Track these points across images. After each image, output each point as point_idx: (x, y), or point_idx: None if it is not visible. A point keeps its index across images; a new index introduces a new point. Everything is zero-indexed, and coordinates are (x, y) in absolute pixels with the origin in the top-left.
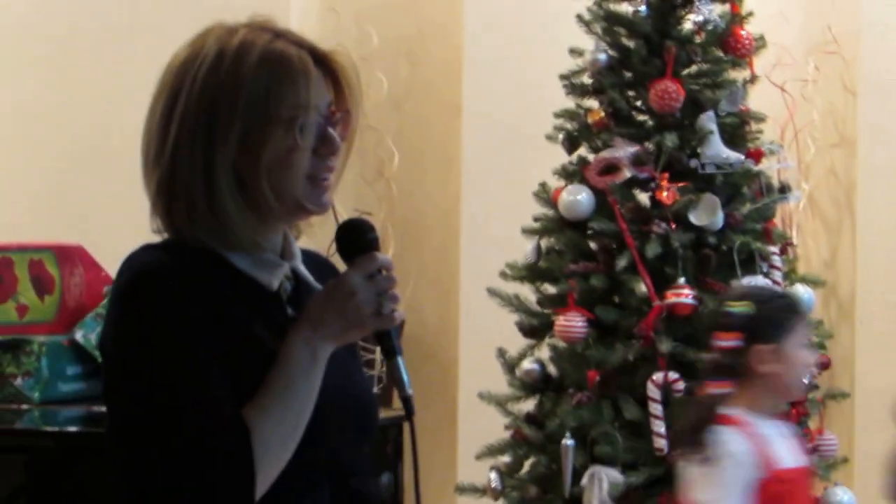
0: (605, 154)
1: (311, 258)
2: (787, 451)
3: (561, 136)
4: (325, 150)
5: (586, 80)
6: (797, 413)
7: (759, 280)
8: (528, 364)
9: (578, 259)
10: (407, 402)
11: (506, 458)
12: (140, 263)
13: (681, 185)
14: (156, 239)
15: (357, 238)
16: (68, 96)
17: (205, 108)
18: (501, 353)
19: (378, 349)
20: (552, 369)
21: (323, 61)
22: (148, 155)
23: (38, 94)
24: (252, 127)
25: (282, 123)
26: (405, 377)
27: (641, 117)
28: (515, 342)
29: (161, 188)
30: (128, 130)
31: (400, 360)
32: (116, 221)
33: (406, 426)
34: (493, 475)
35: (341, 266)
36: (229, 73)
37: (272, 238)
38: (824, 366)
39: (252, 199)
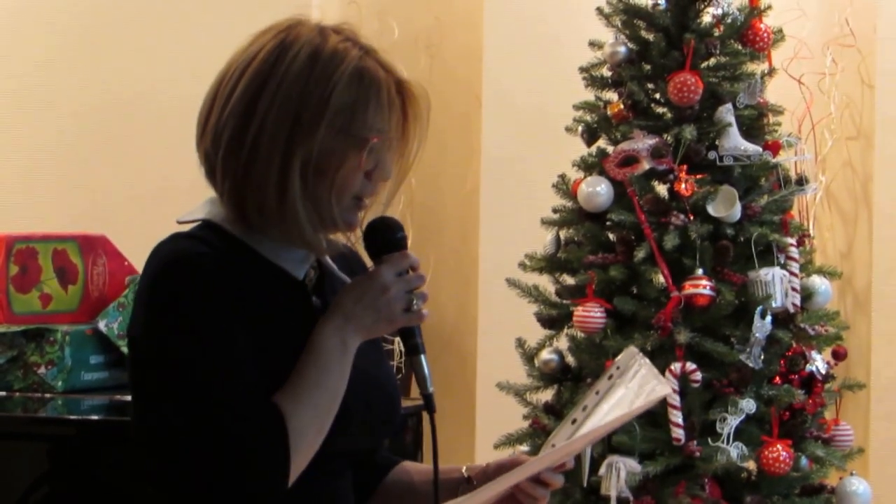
0: (624, 146)
1: (335, 248)
2: None
3: (580, 128)
4: (376, 175)
5: (606, 72)
6: (814, 403)
7: (776, 271)
8: (546, 354)
9: (597, 250)
10: (428, 399)
11: (524, 448)
12: (169, 252)
13: (699, 176)
14: (178, 228)
15: (387, 236)
16: (93, 83)
17: (292, 106)
18: (520, 343)
19: (397, 340)
20: (571, 359)
21: (398, 88)
22: (218, 138)
23: (63, 80)
24: (331, 136)
25: (357, 141)
26: (427, 375)
27: (660, 109)
28: (534, 332)
29: (237, 177)
30: (153, 121)
31: (423, 358)
32: (140, 212)
33: (425, 416)
34: None
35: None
36: (322, 78)
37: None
38: (841, 356)
39: (316, 203)
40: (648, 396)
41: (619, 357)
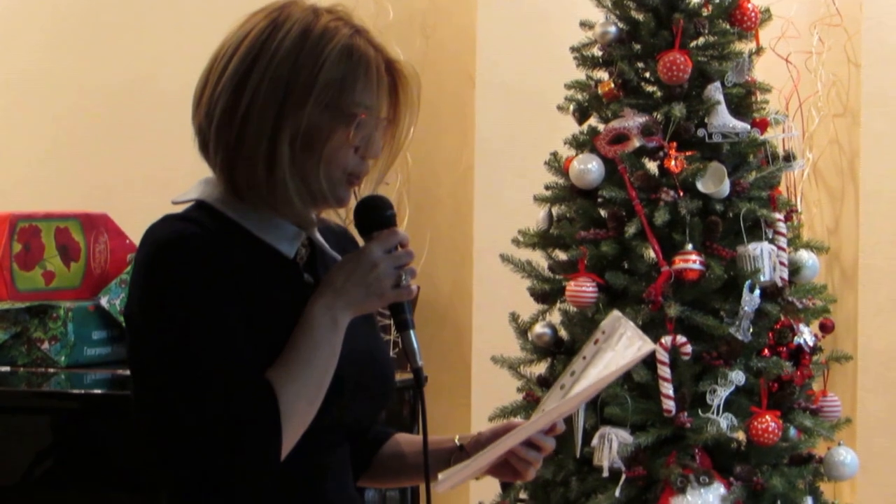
0: (615, 124)
1: (327, 226)
2: None
3: (572, 107)
4: (364, 152)
5: (596, 52)
6: (802, 375)
7: (764, 246)
8: (539, 328)
9: (589, 226)
10: (417, 373)
11: (519, 420)
12: (161, 233)
13: (688, 153)
14: (176, 209)
15: (376, 214)
16: (94, 66)
17: (282, 80)
18: (514, 317)
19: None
20: (563, 333)
21: (388, 68)
22: (212, 111)
23: (65, 63)
24: (320, 111)
25: (345, 117)
26: (416, 349)
27: (650, 88)
28: (528, 307)
29: (228, 150)
30: (153, 101)
31: (412, 333)
32: (141, 190)
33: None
34: None
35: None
36: (311, 54)
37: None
38: (828, 329)
39: (304, 177)
40: (635, 354)
41: (604, 322)
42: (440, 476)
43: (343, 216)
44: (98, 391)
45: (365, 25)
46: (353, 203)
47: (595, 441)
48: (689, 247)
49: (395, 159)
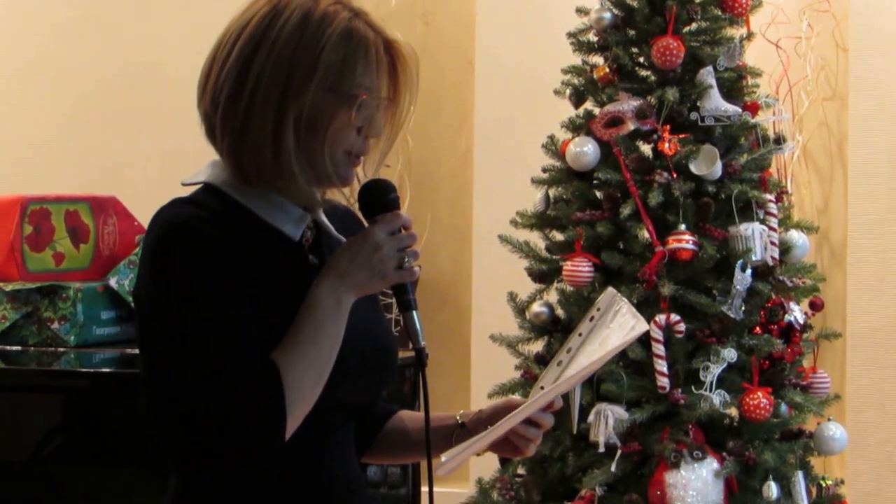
0: (610, 108)
1: (333, 206)
2: None
3: (568, 91)
4: (366, 132)
5: (592, 37)
6: (792, 352)
7: (755, 226)
8: (537, 307)
9: (585, 207)
10: (420, 353)
11: (518, 397)
12: (169, 217)
13: (681, 136)
14: (185, 191)
15: (380, 197)
16: (103, 52)
17: (284, 66)
18: (512, 296)
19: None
20: (560, 312)
21: (387, 48)
22: (217, 98)
23: (73, 49)
24: (322, 93)
25: (347, 98)
26: (419, 330)
27: (644, 73)
28: (525, 286)
29: (234, 135)
30: (161, 86)
31: (415, 314)
32: (149, 173)
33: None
34: None
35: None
36: (312, 39)
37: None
38: (818, 307)
39: (309, 159)
40: (628, 335)
41: (599, 299)
42: (443, 458)
43: (347, 196)
44: (107, 370)
45: (363, 8)
46: (357, 185)
47: (591, 417)
48: (683, 227)
49: (396, 138)
